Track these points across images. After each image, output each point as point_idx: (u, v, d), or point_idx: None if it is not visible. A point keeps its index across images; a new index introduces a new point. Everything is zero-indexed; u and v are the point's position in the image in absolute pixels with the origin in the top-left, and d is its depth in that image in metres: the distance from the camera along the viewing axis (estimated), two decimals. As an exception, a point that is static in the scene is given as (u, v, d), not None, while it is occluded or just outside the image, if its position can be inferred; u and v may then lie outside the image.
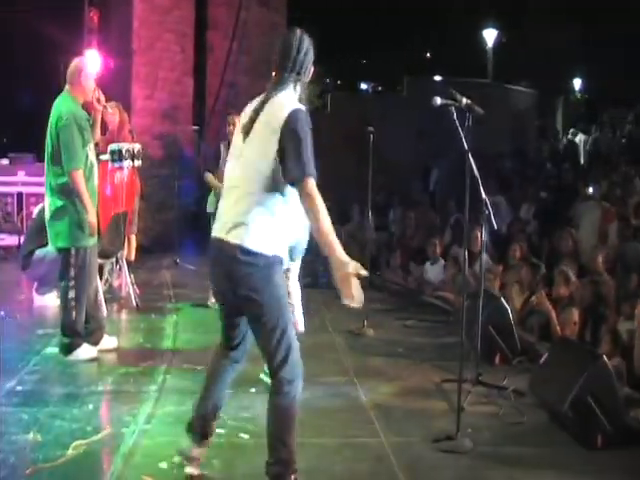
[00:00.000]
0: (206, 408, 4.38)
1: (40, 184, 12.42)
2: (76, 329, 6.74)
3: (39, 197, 11.94)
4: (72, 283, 6.74)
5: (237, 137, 4.18)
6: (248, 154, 4.04)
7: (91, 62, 12.47)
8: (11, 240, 12.25)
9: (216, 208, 4.48)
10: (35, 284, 8.86)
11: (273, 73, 4.16)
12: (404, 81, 21.27)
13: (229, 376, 4.44)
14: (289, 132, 3.89)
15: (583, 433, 5.18)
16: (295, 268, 6.40)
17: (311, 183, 3.85)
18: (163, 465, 4.60)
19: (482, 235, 6.66)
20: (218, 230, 4.09)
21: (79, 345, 6.79)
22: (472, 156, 5.29)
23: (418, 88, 19.67)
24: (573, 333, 7.05)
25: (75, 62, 6.99)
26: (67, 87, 6.94)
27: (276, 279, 4.01)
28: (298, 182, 3.86)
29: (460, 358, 5.41)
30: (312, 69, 4.25)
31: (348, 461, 4.84)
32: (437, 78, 24.23)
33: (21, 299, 9.14)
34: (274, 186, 3.95)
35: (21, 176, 12.58)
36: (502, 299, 7.25)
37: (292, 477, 4.09)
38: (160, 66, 14.08)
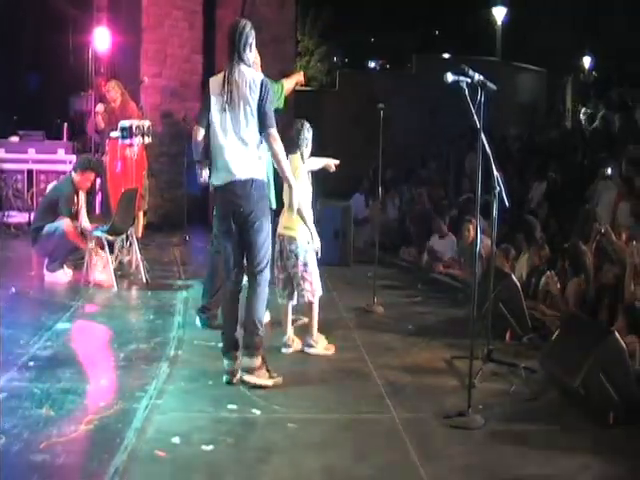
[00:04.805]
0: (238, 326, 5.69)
1: (50, 161, 12.53)
2: None
3: (49, 174, 12.00)
4: None
5: (216, 107, 5.58)
6: (234, 116, 5.51)
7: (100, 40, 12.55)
8: (21, 217, 12.26)
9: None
10: (46, 261, 8.88)
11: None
12: (413, 59, 21.21)
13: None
14: (264, 93, 5.49)
15: (594, 410, 5.19)
16: (306, 244, 6.50)
17: (274, 133, 5.52)
18: (176, 440, 4.62)
19: (493, 212, 6.62)
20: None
21: None
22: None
23: (427, 66, 19.63)
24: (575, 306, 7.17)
25: None
26: None
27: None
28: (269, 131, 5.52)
29: (471, 334, 5.41)
30: (254, 47, 5.74)
31: (359, 437, 4.86)
32: (446, 56, 24.15)
33: (32, 275, 9.16)
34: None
35: (31, 153, 12.59)
36: (512, 276, 7.24)
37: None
38: (169, 43, 14.05)
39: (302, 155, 6.52)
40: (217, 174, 5.65)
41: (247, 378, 5.54)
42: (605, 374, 5.13)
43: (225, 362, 5.66)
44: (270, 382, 5.57)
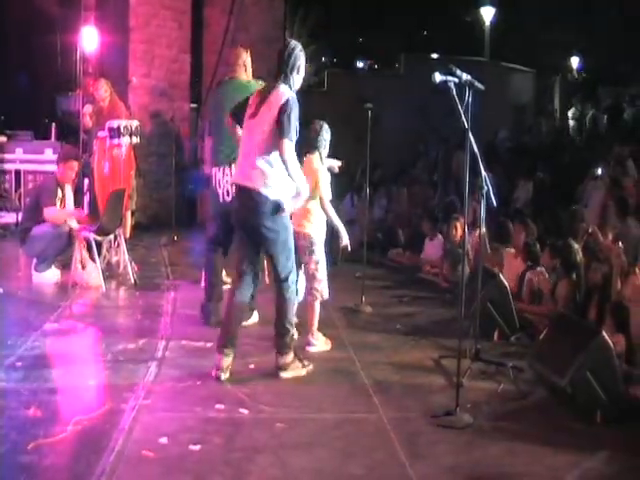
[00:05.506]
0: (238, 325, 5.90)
1: (37, 162, 12.47)
2: None
3: (37, 175, 11.93)
4: None
5: (248, 120, 5.79)
6: (255, 127, 5.69)
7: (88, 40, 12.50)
8: (9, 217, 12.18)
9: None
10: (34, 261, 8.85)
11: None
12: (401, 59, 21.23)
13: None
14: (284, 113, 5.55)
15: (582, 409, 5.21)
16: (321, 241, 6.62)
17: (287, 144, 5.54)
18: (163, 440, 4.60)
19: (481, 211, 6.65)
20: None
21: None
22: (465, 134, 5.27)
23: (415, 66, 19.66)
24: (564, 306, 7.19)
25: None
26: None
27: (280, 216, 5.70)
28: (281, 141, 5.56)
29: (459, 333, 5.42)
30: (303, 69, 5.85)
31: (348, 436, 4.85)
32: (434, 56, 24.18)
33: (20, 276, 9.11)
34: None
35: (19, 153, 12.50)
36: (501, 276, 7.25)
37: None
38: (157, 43, 14.00)
39: (321, 155, 6.61)
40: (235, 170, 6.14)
41: (283, 374, 5.83)
42: (593, 374, 5.14)
43: (217, 357, 5.76)
44: (304, 371, 5.92)
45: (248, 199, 5.68)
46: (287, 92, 5.67)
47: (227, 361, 5.75)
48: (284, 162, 5.59)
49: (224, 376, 5.69)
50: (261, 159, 5.63)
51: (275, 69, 5.82)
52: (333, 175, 6.94)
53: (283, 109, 5.56)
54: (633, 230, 8.57)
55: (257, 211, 5.64)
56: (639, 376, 5.79)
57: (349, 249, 6.75)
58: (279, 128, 5.56)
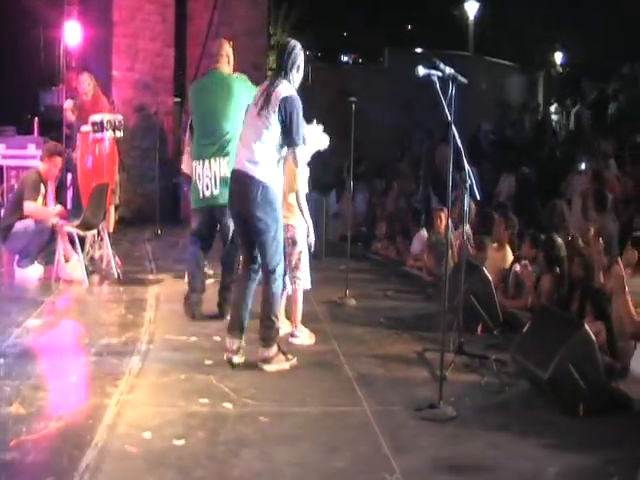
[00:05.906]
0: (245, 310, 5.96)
1: (20, 157, 12.38)
2: None
3: (19, 170, 11.85)
4: None
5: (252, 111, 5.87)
6: (260, 115, 5.75)
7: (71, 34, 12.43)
8: (-9, 213, 12.10)
9: None
10: (16, 257, 8.80)
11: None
12: (385, 53, 21.24)
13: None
14: (285, 111, 5.68)
15: (565, 402, 5.21)
16: (303, 232, 6.57)
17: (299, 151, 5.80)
18: (147, 435, 4.59)
19: (464, 205, 6.68)
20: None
21: None
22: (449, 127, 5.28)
23: (399, 60, 19.67)
24: (547, 299, 7.24)
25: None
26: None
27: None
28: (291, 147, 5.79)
29: (442, 327, 5.43)
30: (302, 68, 6.00)
31: (331, 429, 4.85)
32: (418, 50, 24.17)
33: (2, 272, 9.05)
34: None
35: (1, 149, 12.40)
36: (484, 269, 7.27)
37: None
38: (141, 37, 13.97)
39: None
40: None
41: (266, 367, 5.86)
42: (575, 367, 5.15)
43: (227, 340, 5.96)
44: (287, 365, 5.93)
45: (242, 184, 5.75)
46: (288, 88, 5.78)
47: (236, 343, 5.91)
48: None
49: (236, 359, 5.88)
50: (258, 145, 5.71)
51: (276, 65, 5.97)
52: (316, 169, 6.95)
53: (283, 113, 5.68)
54: (609, 225, 8.62)
55: (250, 197, 5.69)
56: (621, 369, 5.83)
57: (312, 249, 6.72)
58: (285, 136, 5.73)
